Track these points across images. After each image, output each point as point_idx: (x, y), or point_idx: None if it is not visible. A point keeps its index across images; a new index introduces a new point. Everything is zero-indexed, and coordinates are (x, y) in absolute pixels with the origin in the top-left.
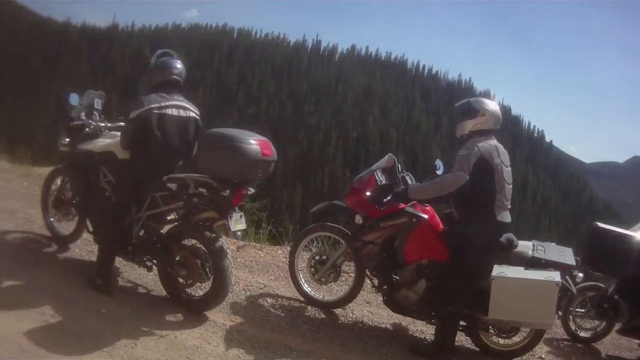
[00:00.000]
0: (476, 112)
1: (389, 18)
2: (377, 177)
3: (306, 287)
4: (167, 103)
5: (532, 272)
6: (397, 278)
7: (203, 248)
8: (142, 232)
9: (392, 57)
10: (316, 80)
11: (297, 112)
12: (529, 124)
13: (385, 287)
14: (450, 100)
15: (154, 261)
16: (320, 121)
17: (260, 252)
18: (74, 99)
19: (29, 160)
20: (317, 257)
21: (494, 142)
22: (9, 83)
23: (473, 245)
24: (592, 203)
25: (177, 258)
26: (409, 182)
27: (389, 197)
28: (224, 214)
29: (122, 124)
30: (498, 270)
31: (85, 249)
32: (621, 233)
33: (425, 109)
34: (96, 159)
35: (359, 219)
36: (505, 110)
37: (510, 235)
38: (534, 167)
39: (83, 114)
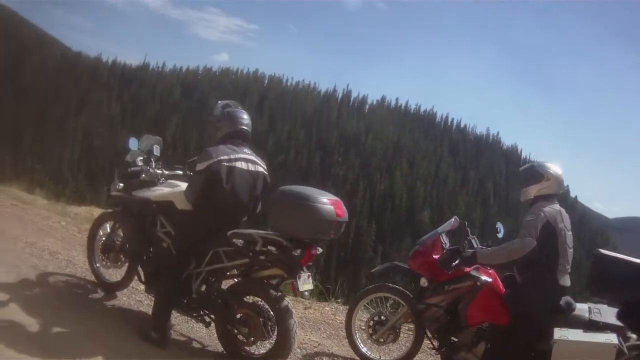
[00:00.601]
0: (541, 176)
1: (419, 71)
2: (442, 240)
3: (362, 347)
4: (237, 156)
5: (591, 335)
6: (456, 340)
7: (265, 306)
8: (203, 287)
9: (422, 109)
10: (346, 131)
11: (325, 162)
12: None
13: (444, 349)
14: (477, 155)
15: (212, 316)
16: (348, 172)
17: (309, 309)
18: (133, 143)
19: (65, 198)
20: (375, 318)
21: (557, 206)
22: (38, 116)
23: (536, 310)
24: None
25: (239, 315)
26: (475, 245)
27: (457, 261)
28: (292, 273)
29: (179, 172)
30: (559, 333)
31: (133, 297)
32: (623, 259)
33: (452, 163)
34: (154, 208)
35: (424, 282)
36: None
37: (569, 298)
38: None
39: (140, 159)
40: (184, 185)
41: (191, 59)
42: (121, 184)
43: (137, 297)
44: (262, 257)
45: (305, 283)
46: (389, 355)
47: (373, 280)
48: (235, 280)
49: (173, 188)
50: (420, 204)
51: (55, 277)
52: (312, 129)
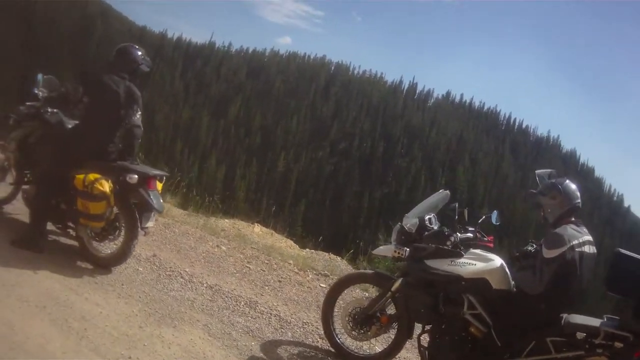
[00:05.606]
0: None
1: (486, 70)
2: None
3: None
4: (583, 239)
5: None
6: None
7: None
8: None
9: (485, 107)
10: (410, 123)
11: (388, 152)
12: (610, 186)
13: None
14: (537, 156)
15: None
16: (411, 164)
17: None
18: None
19: (194, 203)
20: None
21: None
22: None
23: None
24: None
25: None
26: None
27: None
28: None
29: (470, 235)
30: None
31: None
32: None
33: (513, 162)
34: (463, 286)
35: None
36: (589, 171)
37: None
38: (611, 230)
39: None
40: (497, 261)
41: (256, 41)
42: (406, 249)
43: None
44: (599, 351)
45: None
46: None
47: None
48: None
49: (487, 263)
50: (480, 201)
51: (283, 348)
52: (376, 119)
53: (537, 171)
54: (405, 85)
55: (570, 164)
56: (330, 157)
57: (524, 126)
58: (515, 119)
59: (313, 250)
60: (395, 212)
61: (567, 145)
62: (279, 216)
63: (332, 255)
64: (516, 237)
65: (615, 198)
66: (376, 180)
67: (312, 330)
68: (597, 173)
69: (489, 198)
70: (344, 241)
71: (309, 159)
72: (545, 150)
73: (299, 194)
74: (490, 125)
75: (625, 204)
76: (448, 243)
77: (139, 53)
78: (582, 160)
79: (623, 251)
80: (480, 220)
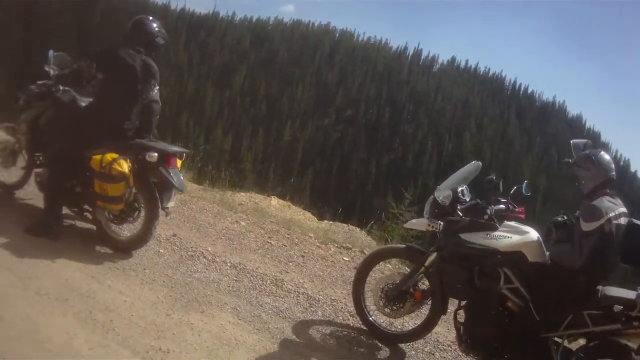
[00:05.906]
0: None
1: (491, 35)
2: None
3: None
4: (619, 211)
5: None
6: None
7: None
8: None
9: (491, 73)
10: (416, 89)
11: (394, 118)
12: (617, 152)
13: None
14: (543, 121)
15: None
16: (417, 131)
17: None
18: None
19: (208, 177)
20: None
21: None
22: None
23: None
24: None
25: None
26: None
27: None
28: None
29: (502, 206)
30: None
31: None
32: None
33: (519, 127)
34: (499, 259)
35: None
36: (595, 136)
37: None
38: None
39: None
40: (533, 233)
41: (259, 10)
42: (440, 222)
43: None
44: (635, 323)
45: None
46: None
47: None
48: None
49: (523, 236)
50: (487, 167)
51: (315, 328)
52: (382, 85)
53: (573, 141)
54: (410, 51)
55: (576, 129)
56: (336, 125)
57: (529, 91)
58: (520, 84)
59: (331, 222)
60: (402, 179)
61: (572, 110)
62: (291, 186)
63: (351, 227)
64: (524, 203)
65: (621, 163)
66: (383, 147)
67: (342, 308)
68: (604, 138)
69: (495, 163)
70: (352, 208)
71: (315, 127)
72: (551, 115)
73: (306, 162)
74: (496, 91)
75: (632, 170)
76: (485, 216)
77: (154, 25)
78: (588, 125)
79: (637, 222)
80: (512, 191)
